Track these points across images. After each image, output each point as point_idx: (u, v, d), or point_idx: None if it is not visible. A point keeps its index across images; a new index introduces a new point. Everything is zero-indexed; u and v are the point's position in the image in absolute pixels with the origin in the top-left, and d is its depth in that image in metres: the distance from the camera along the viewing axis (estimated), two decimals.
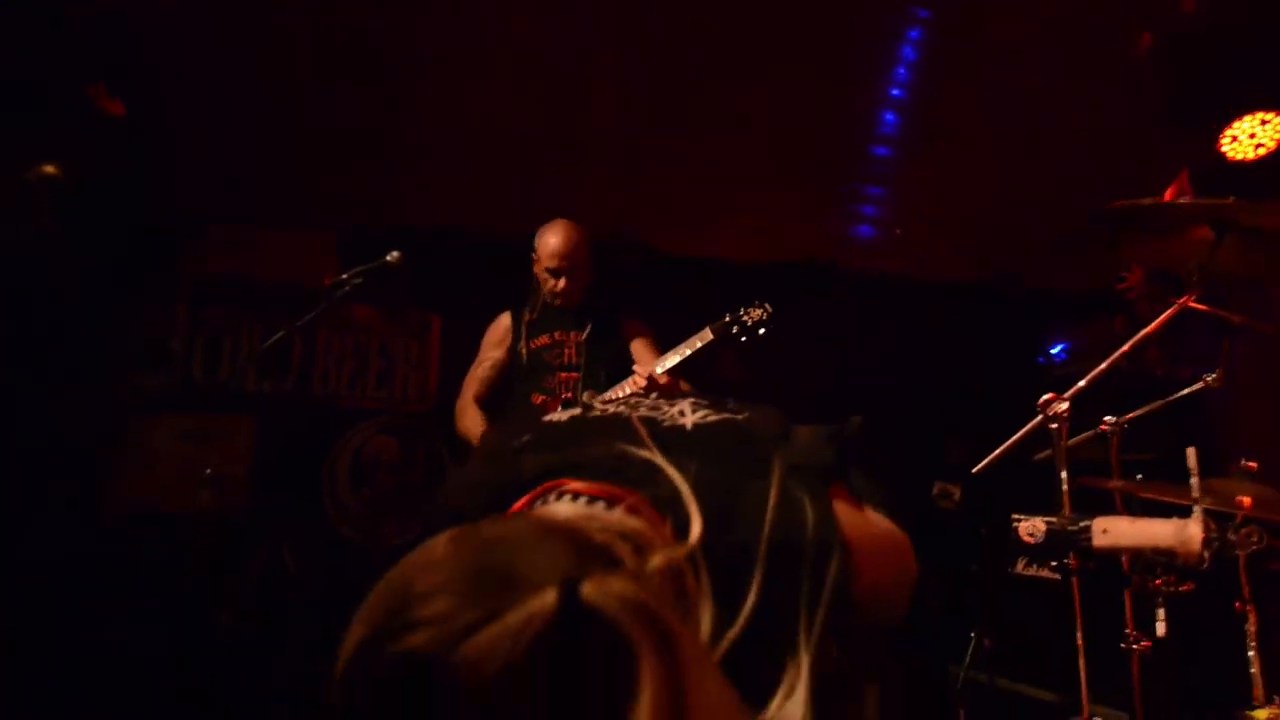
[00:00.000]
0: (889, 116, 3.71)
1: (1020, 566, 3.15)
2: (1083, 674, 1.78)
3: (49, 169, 3.76)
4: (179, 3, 3.02)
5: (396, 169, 3.67)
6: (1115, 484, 1.94)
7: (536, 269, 2.87)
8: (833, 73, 3.48)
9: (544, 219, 2.90)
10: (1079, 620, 1.81)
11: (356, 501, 3.59)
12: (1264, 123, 3.18)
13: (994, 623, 3.01)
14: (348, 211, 3.74)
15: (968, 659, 2.97)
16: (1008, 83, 3.52)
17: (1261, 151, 3.21)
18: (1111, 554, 1.49)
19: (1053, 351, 3.49)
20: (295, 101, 3.50)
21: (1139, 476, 2.44)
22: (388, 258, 2.56)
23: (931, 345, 4.10)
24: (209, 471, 3.20)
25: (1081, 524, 1.48)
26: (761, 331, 2.63)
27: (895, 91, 3.62)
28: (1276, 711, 1.44)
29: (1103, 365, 1.80)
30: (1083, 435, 2.39)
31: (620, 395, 2.54)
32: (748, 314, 2.65)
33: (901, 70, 3.58)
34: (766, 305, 2.64)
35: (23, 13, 3.12)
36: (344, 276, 2.53)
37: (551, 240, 2.82)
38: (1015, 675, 2.90)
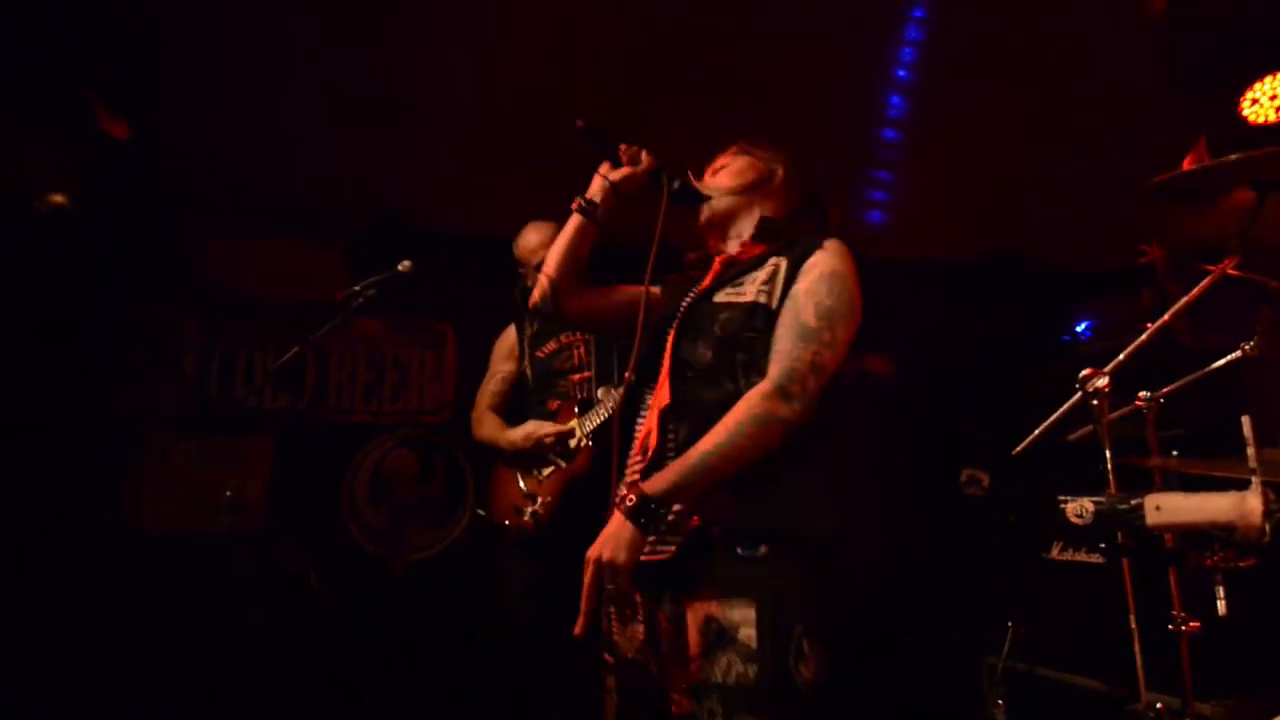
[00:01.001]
0: (895, 99, 3.65)
1: (1056, 551, 3.08)
2: (1138, 659, 1.71)
3: (58, 198, 3.78)
4: (187, 26, 2.99)
5: (406, 173, 3.64)
6: (1159, 461, 1.87)
7: (528, 276, 2.83)
8: (838, 54, 3.44)
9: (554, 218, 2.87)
10: (1131, 603, 1.75)
11: (377, 517, 3.57)
12: None
13: (1031, 610, 2.94)
14: (358, 220, 3.71)
15: (1005, 648, 2.91)
16: (1016, 58, 3.46)
17: None
18: (1166, 531, 1.44)
19: (1078, 329, 3.41)
20: (303, 113, 3.49)
21: (1174, 453, 2.39)
22: (399, 267, 2.54)
23: (954, 327, 4.04)
24: (228, 494, 3.20)
25: (1133, 502, 1.42)
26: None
27: (901, 73, 3.56)
28: None
29: (1143, 337, 1.75)
30: (1118, 412, 2.33)
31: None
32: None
33: (906, 50, 3.52)
34: None
35: (31, 38, 3.11)
36: (356, 289, 2.51)
37: (530, 237, 2.81)
38: (1058, 664, 2.83)
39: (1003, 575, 3.24)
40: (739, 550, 1.44)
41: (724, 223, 1.74)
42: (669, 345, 1.60)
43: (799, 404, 1.47)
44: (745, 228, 1.73)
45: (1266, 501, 1.29)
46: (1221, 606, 1.46)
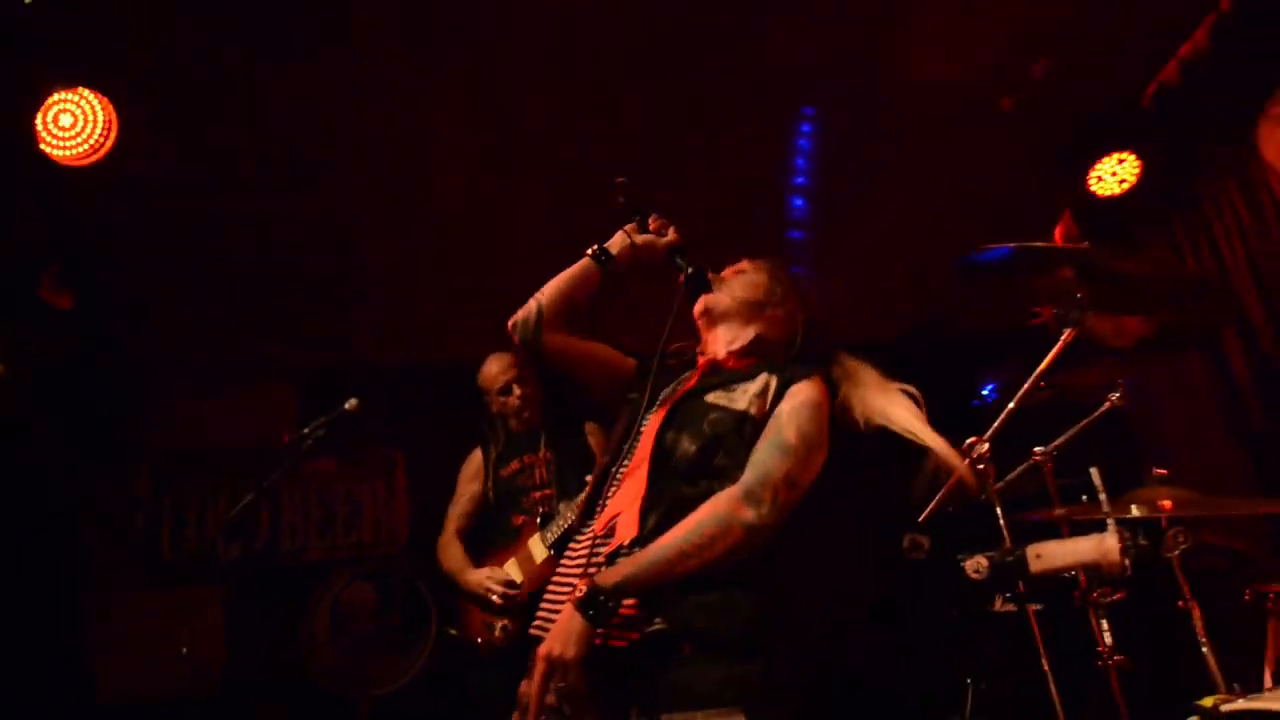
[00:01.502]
0: (797, 201, 4.02)
1: (999, 604, 3.23)
2: (1056, 700, 1.86)
3: None
4: (132, 182, 3.13)
5: (346, 314, 3.81)
6: (1051, 513, 2.08)
7: (491, 403, 3.04)
8: (748, 170, 3.80)
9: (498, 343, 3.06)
10: (1041, 647, 1.91)
11: (336, 653, 3.54)
12: (1121, 161, 3.55)
13: (985, 664, 3.06)
14: (302, 363, 3.83)
15: (968, 707, 3.01)
16: (896, 157, 3.86)
17: (1125, 186, 3.56)
18: (1047, 575, 1.62)
19: (984, 393, 3.69)
20: (243, 262, 3.65)
21: (1084, 499, 2.61)
22: (345, 406, 2.62)
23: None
24: (185, 651, 3.15)
25: (1017, 554, 1.61)
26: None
27: (799, 179, 3.94)
28: (1226, 697, 1.55)
29: (1010, 404, 1.98)
30: (1018, 470, 2.56)
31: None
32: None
33: (800, 160, 3.92)
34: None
35: None
36: (305, 431, 2.58)
37: (491, 366, 3.05)
38: (1020, 715, 2.93)
39: (954, 634, 3.36)
40: (710, 656, 1.41)
41: (717, 322, 1.77)
42: (652, 433, 1.60)
43: (766, 510, 1.47)
44: (735, 337, 1.76)
45: (1122, 540, 1.49)
46: (1106, 637, 1.63)
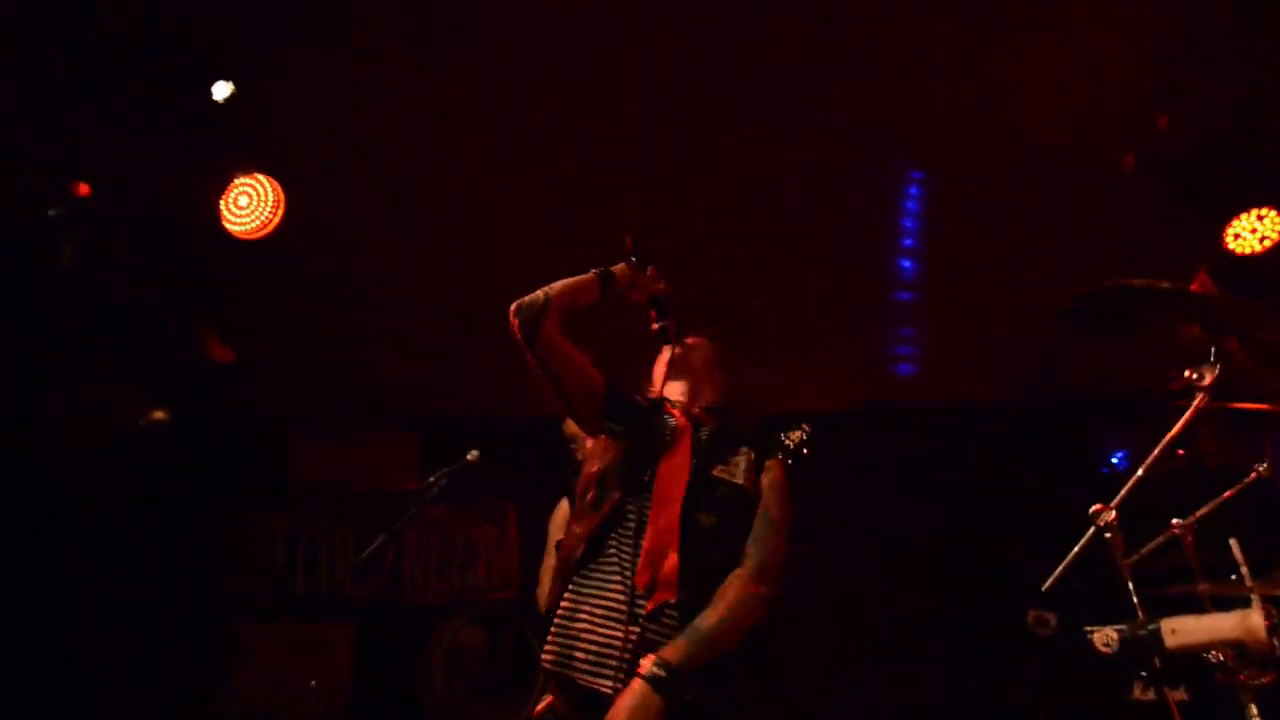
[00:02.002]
0: (905, 263, 4.00)
1: (1138, 692, 2.98)
2: None
3: (158, 414, 4.27)
4: (278, 249, 3.49)
5: (466, 370, 4.04)
6: (1194, 587, 1.95)
7: (576, 451, 3.08)
8: (850, 237, 3.83)
9: None
10: None
11: (452, 694, 3.66)
12: (1260, 218, 3.36)
13: None
14: (425, 414, 4.08)
15: None
16: (1015, 213, 3.80)
17: (1267, 244, 3.35)
18: (1183, 653, 1.52)
19: (1114, 460, 3.49)
20: (374, 320, 3.97)
21: (1234, 577, 2.41)
22: (468, 457, 2.76)
23: (993, 468, 4.13)
24: (313, 683, 3.34)
25: (1150, 628, 1.53)
26: (805, 451, 2.73)
27: (907, 241, 3.93)
28: None
29: (1139, 471, 1.89)
30: (1155, 541, 2.40)
31: None
32: (788, 437, 2.77)
33: (908, 221, 3.91)
34: (804, 425, 2.76)
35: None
36: (430, 480, 2.74)
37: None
38: None
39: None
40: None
41: (681, 374, 2.03)
42: (673, 493, 1.81)
43: (773, 584, 1.75)
44: (701, 392, 2.02)
45: (1269, 617, 1.40)
46: None
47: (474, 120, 3.34)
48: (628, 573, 1.74)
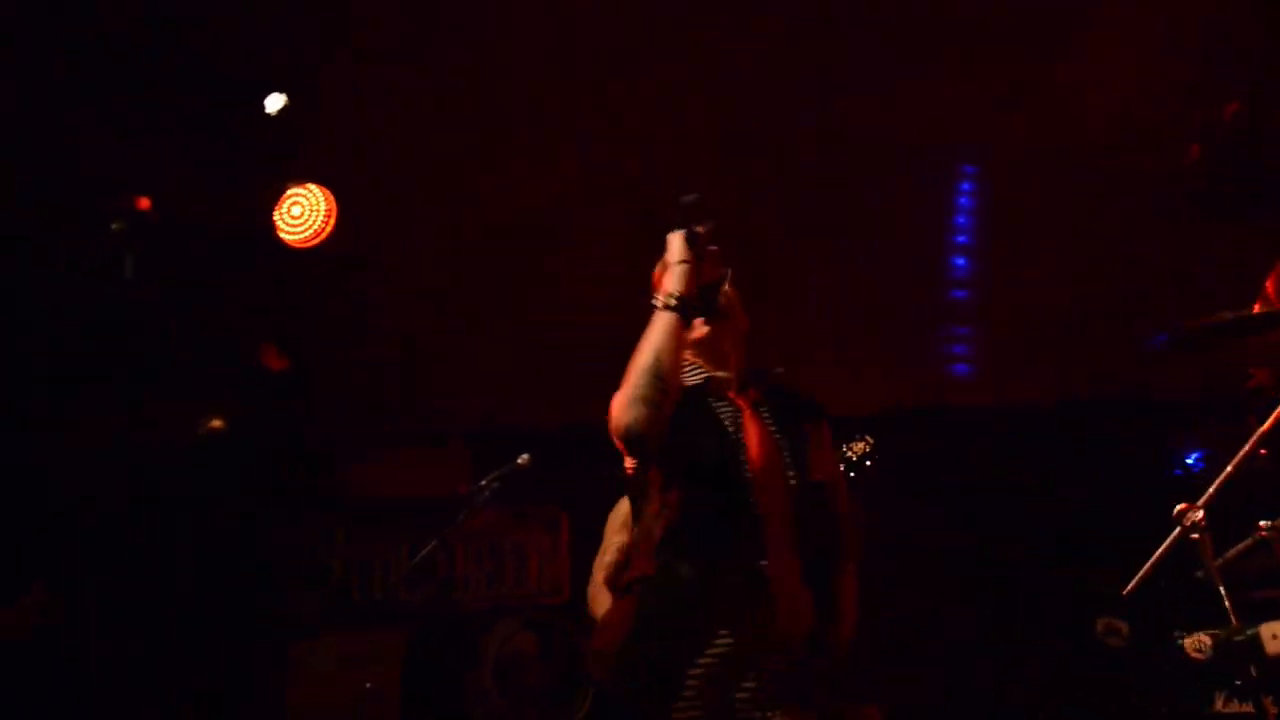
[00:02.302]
0: (959, 260, 3.90)
1: (1220, 703, 2.82)
2: None
3: (216, 423, 4.36)
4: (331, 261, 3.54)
5: (517, 379, 4.06)
6: (1273, 593, 1.83)
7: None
8: (904, 236, 3.75)
9: None
10: None
11: (503, 700, 3.65)
12: None
13: None
14: (476, 423, 4.10)
15: None
16: (1075, 211, 3.67)
17: None
18: None
19: (1189, 461, 3.33)
20: (425, 331, 4.01)
21: None
22: (518, 461, 2.77)
23: (1065, 471, 3.98)
24: (368, 686, 3.36)
25: (1249, 632, 1.43)
26: (868, 464, 2.66)
27: (960, 238, 3.83)
28: None
29: (1228, 468, 1.78)
30: (1241, 544, 2.27)
31: None
32: (850, 449, 2.69)
33: (961, 219, 3.81)
34: (867, 438, 2.69)
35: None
36: (481, 483, 2.74)
37: None
38: None
39: None
40: None
41: (723, 351, 1.75)
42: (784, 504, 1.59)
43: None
44: (726, 359, 1.75)
45: None
46: None
47: (529, 128, 3.36)
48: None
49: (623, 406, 1.61)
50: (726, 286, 1.75)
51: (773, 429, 1.68)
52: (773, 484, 1.60)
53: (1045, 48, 3.15)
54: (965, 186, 3.68)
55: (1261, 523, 2.23)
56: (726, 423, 1.68)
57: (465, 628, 3.87)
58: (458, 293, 3.92)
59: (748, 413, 1.69)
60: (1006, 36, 3.13)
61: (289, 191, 3.05)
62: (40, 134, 2.82)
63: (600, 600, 2.91)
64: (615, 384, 3.81)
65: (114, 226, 3.03)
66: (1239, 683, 1.62)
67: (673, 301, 1.61)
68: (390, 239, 3.61)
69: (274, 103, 2.75)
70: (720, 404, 1.72)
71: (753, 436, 1.64)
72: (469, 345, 4.08)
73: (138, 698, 3.56)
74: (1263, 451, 1.96)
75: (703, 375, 1.75)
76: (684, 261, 1.66)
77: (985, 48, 3.15)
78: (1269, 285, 3.78)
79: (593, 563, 3.05)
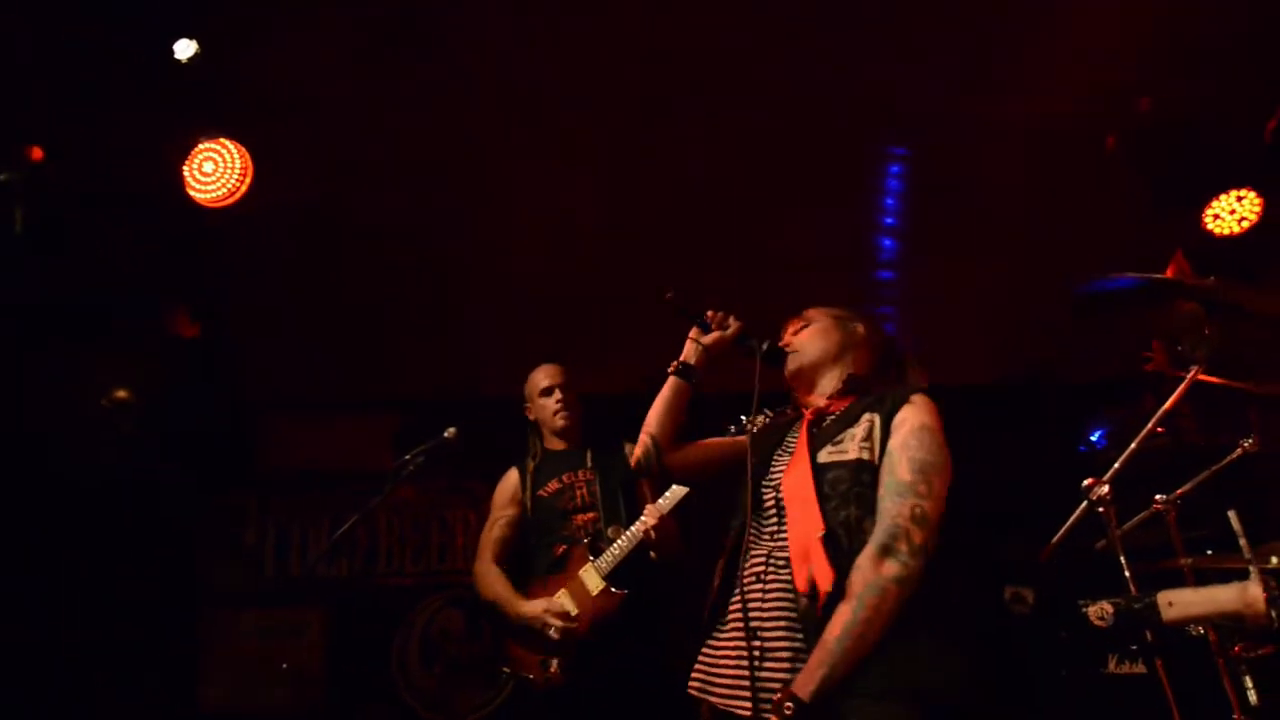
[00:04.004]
0: (886, 242, 3.98)
1: (1113, 665, 3.01)
2: None
3: (121, 393, 4.12)
4: (249, 222, 3.35)
5: (447, 348, 3.95)
6: (1177, 562, 1.95)
7: (533, 412, 2.96)
8: (831, 209, 3.80)
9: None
10: (1174, 707, 1.77)
11: (428, 679, 3.60)
12: (1240, 199, 3.38)
13: None
14: (400, 393, 3.99)
15: None
16: (997, 192, 3.79)
17: (1245, 225, 3.38)
18: (1180, 625, 1.51)
19: (1093, 438, 3.52)
20: (348, 297, 3.86)
21: (1209, 552, 2.43)
22: (445, 434, 2.67)
23: (972, 450, 4.13)
24: (285, 666, 3.26)
25: (1147, 600, 1.52)
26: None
27: (888, 220, 3.91)
28: None
29: (1132, 445, 1.88)
30: (1138, 517, 2.41)
31: (649, 524, 2.50)
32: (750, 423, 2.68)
33: (890, 200, 3.89)
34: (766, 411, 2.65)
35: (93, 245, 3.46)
36: (406, 457, 2.65)
37: (538, 374, 2.97)
38: None
39: (1062, 696, 3.15)
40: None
41: (811, 376, 1.84)
42: (816, 512, 1.62)
43: (907, 558, 1.52)
44: (830, 383, 1.83)
45: (1267, 589, 1.39)
46: (1253, 696, 1.51)
47: (461, 76, 3.22)
48: (760, 585, 1.64)
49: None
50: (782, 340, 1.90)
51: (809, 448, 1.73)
52: (800, 505, 1.68)
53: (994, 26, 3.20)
54: (895, 167, 3.75)
55: (1157, 497, 2.38)
56: (773, 448, 1.84)
57: (389, 604, 3.79)
58: (384, 256, 3.78)
59: (800, 433, 1.78)
60: (955, 11, 3.16)
61: (200, 146, 2.85)
62: None
63: (492, 580, 2.73)
64: (545, 356, 3.72)
65: (1, 179, 2.79)
66: (1135, 647, 1.72)
67: (676, 367, 1.92)
68: (313, 197, 3.44)
69: (184, 49, 2.56)
70: (789, 425, 1.88)
71: (791, 462, 1.75)
72: (394, 314, 3.96)
73: (43, 666, 3.36)
74: (1159, 430, 2.08)
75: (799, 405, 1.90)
76: (692, 338, 1.92)
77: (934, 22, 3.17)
78: (1169, 272, 4.02)
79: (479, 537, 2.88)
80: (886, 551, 1.53)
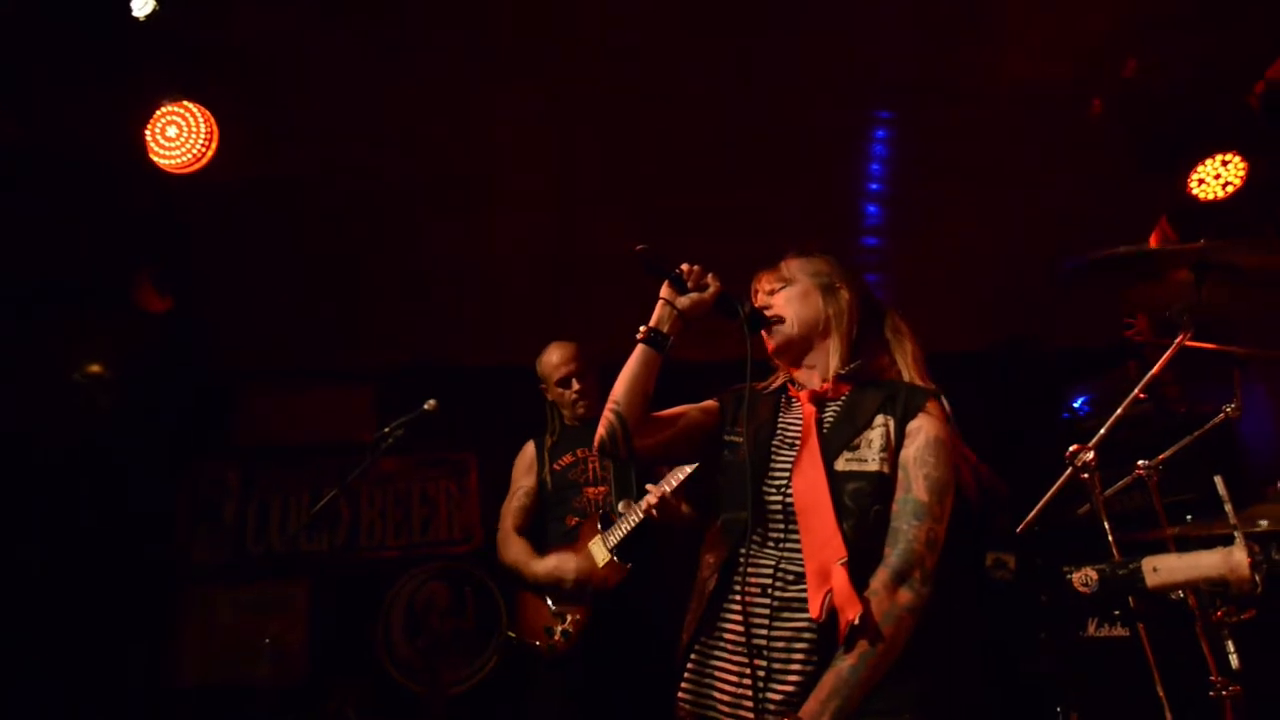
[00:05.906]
0: (872, 209, 3.94)
1: (1092, 629, 3.05)
2: None
3: (95, 368, 4.03)
4: (218, 189, 3.26)
5: (423, 317, 3.89)
6: (1160, 532, 1.96)
7: (548, 393, 3.00)
8: (815, 175, 3.74)
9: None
10: (1156, 674, 1.78)
11: (412, 652, 3.60)
12: (1225, 163, 3.36)
13: (1077, 692, 2.89)
14: (380, 364, 3.93)
15: None
16: (980, 158, 3.75)
17: (1230, 190, 3.36)
18: (1165, 591, 1.51)
19: (1075, 405, 3.53)
20: (325, 266, 3.77)
21: (1189, 518, 2.44)
22: (425, 406, 2.67)
23: (955, 417, 4.14)
24: (267, 641, 3.24)
25: (1131, 566, 1.51)
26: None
27: (874, 185, 3.86)
28: None
29: (1118, 411, 1.87)
30: (1120, 483, 2.42)
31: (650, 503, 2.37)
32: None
33: (875, 166, 3.83)
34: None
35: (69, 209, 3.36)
36: (385, 430, 2.63)
37: (552, 355, 2.97)
38: None
39: (1044, 660, 3.19)
40: None
41: (801, 349, 1.72)
42: (832, 519, 1.54)
43: (920, 586, 1.50)
44: (822, 358, 1.71)
45: (1251, 554, 1.38)
46: (1234, 660, 1.51)
47: (430, 46, 3.12)
48: (767, 599, 1.55)
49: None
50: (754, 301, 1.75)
51: (821, 451, 1.61)
52: (814, 513, 1.59)
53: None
54: (880, 131, 3.69)
55: (1139, 462, 2.38)
56: (782, 441, 1.71)
57: (373, 577, 3.77)
58: (361, 222, 3.69)
59: (809, 429, 1.66)
60: None
61: (162, 110, 2.74)
62: None
63: (512, 545, 2.85)
64: (523, 323, 3.64)
65: None
66: (1118, 613, 1.72)
67: (645, 333, 1.69)
68: (283, 163, 3.33)
69: (142, 6, 2.44)
70: (789, 412, 1.73)
71: (801, 464, 1.63)
72: (372, 281, 3.88)
73: (18, 643, 3.32)
74: (1142, 396, 2.08)
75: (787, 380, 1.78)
76: (661, 298, 1.69)
77: None
78: (1153, 238, 4.01)
79: (501, 508, 2.98)
80: (902, 579, 1.49)
